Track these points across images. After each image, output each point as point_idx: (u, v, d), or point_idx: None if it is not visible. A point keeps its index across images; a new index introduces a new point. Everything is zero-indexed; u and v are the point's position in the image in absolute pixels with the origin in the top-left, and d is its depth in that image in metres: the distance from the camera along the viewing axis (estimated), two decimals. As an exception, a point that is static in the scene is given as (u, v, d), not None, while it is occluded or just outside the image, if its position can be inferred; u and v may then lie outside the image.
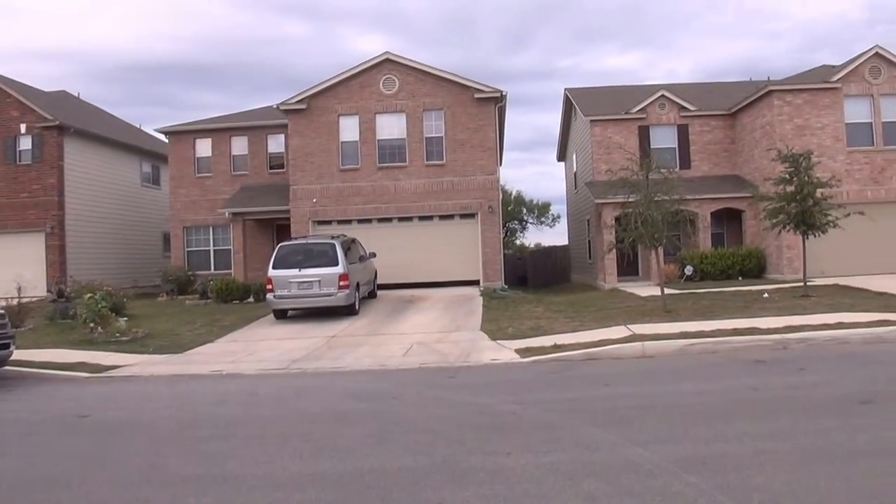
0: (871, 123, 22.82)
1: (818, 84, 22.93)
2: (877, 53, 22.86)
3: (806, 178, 16.59)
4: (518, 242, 56.50)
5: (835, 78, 22.78)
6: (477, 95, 23.66)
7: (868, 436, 5.77)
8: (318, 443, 6.48)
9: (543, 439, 6.13)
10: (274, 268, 16.97)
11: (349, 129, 24.11)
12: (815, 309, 14.00)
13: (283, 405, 8.55)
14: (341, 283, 16.58)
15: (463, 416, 7.25)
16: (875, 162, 22.63)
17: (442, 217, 23.92)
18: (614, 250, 18.03)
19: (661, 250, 16.01)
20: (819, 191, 16.57)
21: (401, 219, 23.97)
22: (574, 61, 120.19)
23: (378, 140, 24.05)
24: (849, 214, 16.64)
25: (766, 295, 16.86)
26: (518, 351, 11.40)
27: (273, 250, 18.61)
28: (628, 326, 12.84)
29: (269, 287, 16.87)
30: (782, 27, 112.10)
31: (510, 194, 53.76)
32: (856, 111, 22.87)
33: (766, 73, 68.70)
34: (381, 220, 24.00)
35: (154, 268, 29.10)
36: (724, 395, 7.73)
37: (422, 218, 23.94)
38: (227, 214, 24.94)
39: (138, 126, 35.81)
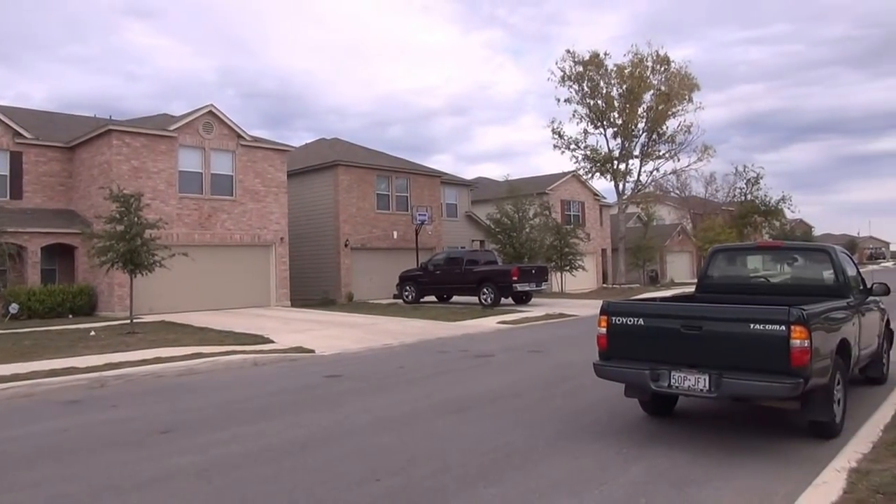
0: (202, 174, 25.15)
1: (157, 131, 24.20)
2: (210, 111, 25.40)
3: (136, 218, 17.24)
4: None
5: (172, 127, 24.40)
6: None
7: (158, 464, 6.29)
8: None
9: None
10: None
11: None
12: (138, 345, 14.54)
13: None
14: None
15: None
16: (203, 209, 24.95)
17: None
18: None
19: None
20: (148, 231, 17.43)
21: None
22: None
23: None
24: (174, 255, 17.92)
25: (92, 333, 16.75)
26: None
27: None
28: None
29: None
30: (143, 71, 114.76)
31: None
32: (189, 161, 24.88)
33: (123, 112, 69.29)
34: None
35: None
36: (29, 440, 7.40)
37: None
38: None
39: None
